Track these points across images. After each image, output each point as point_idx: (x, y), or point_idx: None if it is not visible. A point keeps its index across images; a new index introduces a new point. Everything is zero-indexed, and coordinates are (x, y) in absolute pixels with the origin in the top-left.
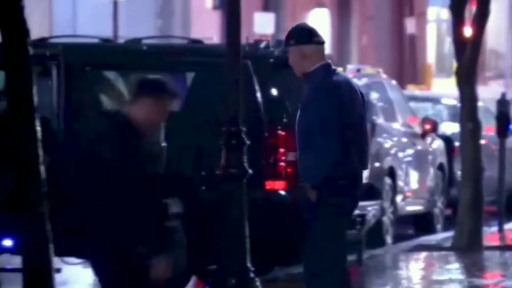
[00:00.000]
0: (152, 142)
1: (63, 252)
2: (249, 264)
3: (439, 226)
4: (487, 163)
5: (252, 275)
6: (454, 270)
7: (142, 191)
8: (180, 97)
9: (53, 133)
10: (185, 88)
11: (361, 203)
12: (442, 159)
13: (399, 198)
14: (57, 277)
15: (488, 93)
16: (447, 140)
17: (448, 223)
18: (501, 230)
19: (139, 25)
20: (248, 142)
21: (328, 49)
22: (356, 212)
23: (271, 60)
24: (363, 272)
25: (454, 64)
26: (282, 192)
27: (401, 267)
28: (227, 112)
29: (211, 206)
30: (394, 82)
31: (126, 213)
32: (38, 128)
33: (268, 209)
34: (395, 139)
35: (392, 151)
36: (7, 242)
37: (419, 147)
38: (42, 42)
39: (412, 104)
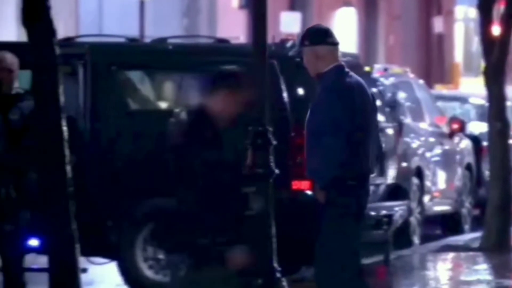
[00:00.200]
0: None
1: (89, 252)
2: (275, 264)
3: (466, 227)
4: None
5: (278, 275)
6: (482, 270)
7: (223, 182)
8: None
9: (79, 133)
10: None
11: (388, 203)
12: (469, 159)
13: (426, 198)
14: (83, 277)
15: None
16: (475, 139)
17: (476, 224)
18: None
19: (165, 25)
20: (274, 142)
21: (354, 48)
22: (383, 212)
23: (298, 59)
24: (390, 272)
25: (482, 63)
26: (309, 192)
27: (428, 268)
28: (253, 112)
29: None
30: (421, 81)
31: (208, 205)
32: (64, 128)
33: (295, 209)
34: (422, 139)
35: (420, 151)
36: (34, 242)
37: (446, 147)
38: (68, 41)
39: (440, 104)
